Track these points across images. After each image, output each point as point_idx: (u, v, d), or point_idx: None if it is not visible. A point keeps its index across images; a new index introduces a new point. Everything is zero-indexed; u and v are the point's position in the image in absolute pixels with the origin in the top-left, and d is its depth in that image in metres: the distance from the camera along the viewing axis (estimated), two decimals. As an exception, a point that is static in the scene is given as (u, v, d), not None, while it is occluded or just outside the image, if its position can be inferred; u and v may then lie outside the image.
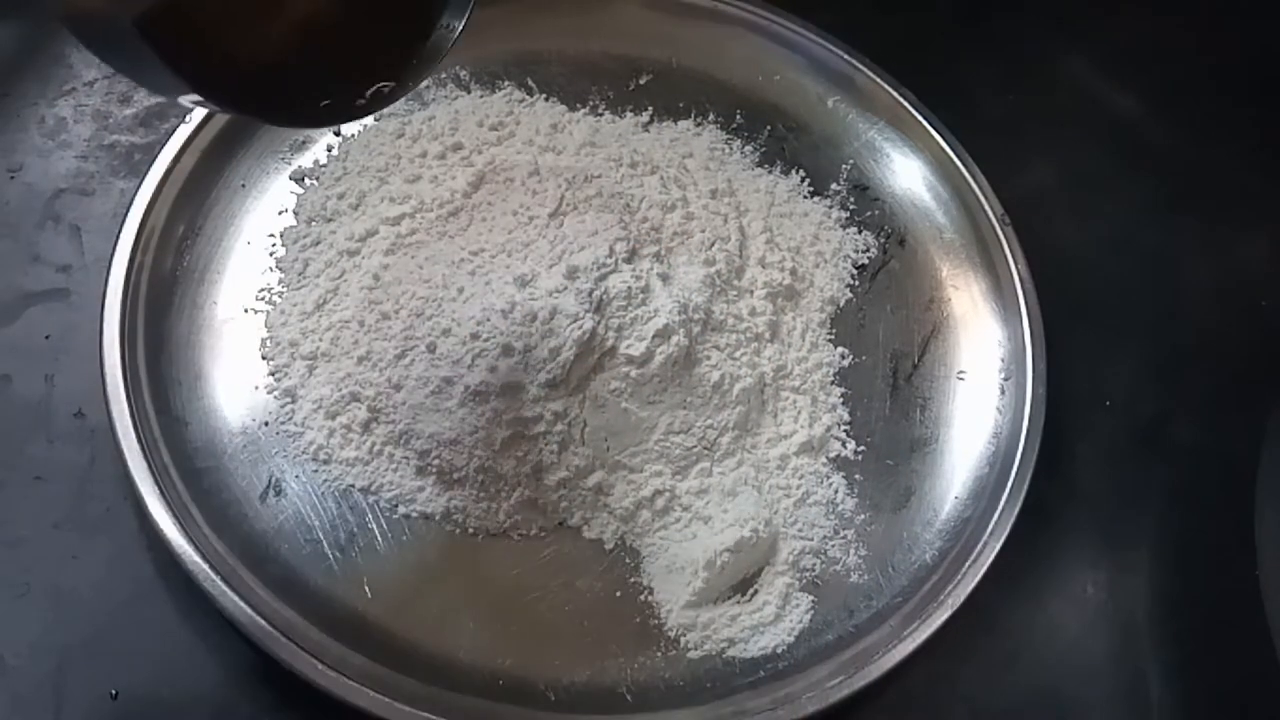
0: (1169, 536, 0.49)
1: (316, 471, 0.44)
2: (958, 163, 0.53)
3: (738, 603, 0.43)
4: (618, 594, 0.43)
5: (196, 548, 0.40)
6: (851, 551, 0.45)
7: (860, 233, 0.53)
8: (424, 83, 0.40)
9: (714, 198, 0.50)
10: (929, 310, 0.52)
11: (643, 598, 0.43)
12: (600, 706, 0.41)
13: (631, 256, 0.45)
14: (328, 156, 0.51)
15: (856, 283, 0.52)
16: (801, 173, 0.54)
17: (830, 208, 0.53)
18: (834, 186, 0.54)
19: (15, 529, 0.42)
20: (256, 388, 0.45)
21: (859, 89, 0.56)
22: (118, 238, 0.46)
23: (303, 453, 0.44)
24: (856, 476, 0.47)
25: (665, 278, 0.45)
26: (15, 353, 0.46)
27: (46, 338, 0.46)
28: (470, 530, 0.43)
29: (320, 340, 0.46)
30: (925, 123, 0.54)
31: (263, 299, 0.47)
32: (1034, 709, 0.45)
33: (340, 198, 0.49)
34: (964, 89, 0.58)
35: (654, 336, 0.44)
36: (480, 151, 0.50)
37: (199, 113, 0.49)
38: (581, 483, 0.44)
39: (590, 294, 0.43)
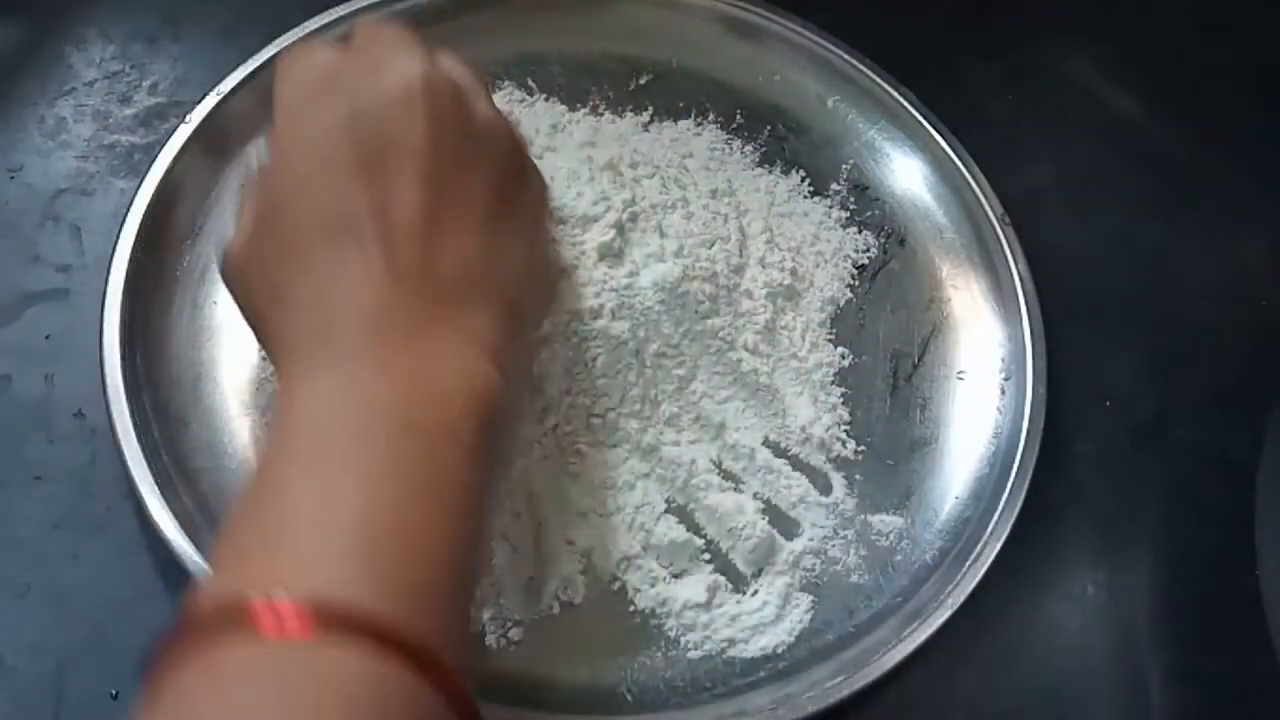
0: (1169, 536, 0.49)
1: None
2: (958, 163, 0.53)
3: (738, 603, 0.43)
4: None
5: (196, 548, 0.40)
6: (851, 551, 0.45)
7: (860, 233, 0.53)
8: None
9: (714, 198, 0.50)
10: (929, 310, 0.51)
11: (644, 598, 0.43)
12: (600, 707, 0.41)
13: None
14: (328, 156, 0.51)
15: (856, 283, 0.52)
16: (801, 173, 0.54)
17: (830, 208, 0.53)
18: (834, 186, 0.54)
19: (15, 529, 0.42)
20: (257, 388, 0.45)
21: (859, 89, 0.56)
22: (118, 238, 0.46)
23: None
24: (856, 476, 0.47)
25: None
26: (15, 353, 0.46)
27: (46, 338, 0.46)
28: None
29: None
30: (925, 123, 0.54)
31: (263, 299, 0.47)
32: (1034, 709, 0.45)
33: (340, 198, 0.49)
34: (964, 89, 0.58)
35: None
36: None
37: (199, 112, 0.49)
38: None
39: None
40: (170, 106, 0.52)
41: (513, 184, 0.37)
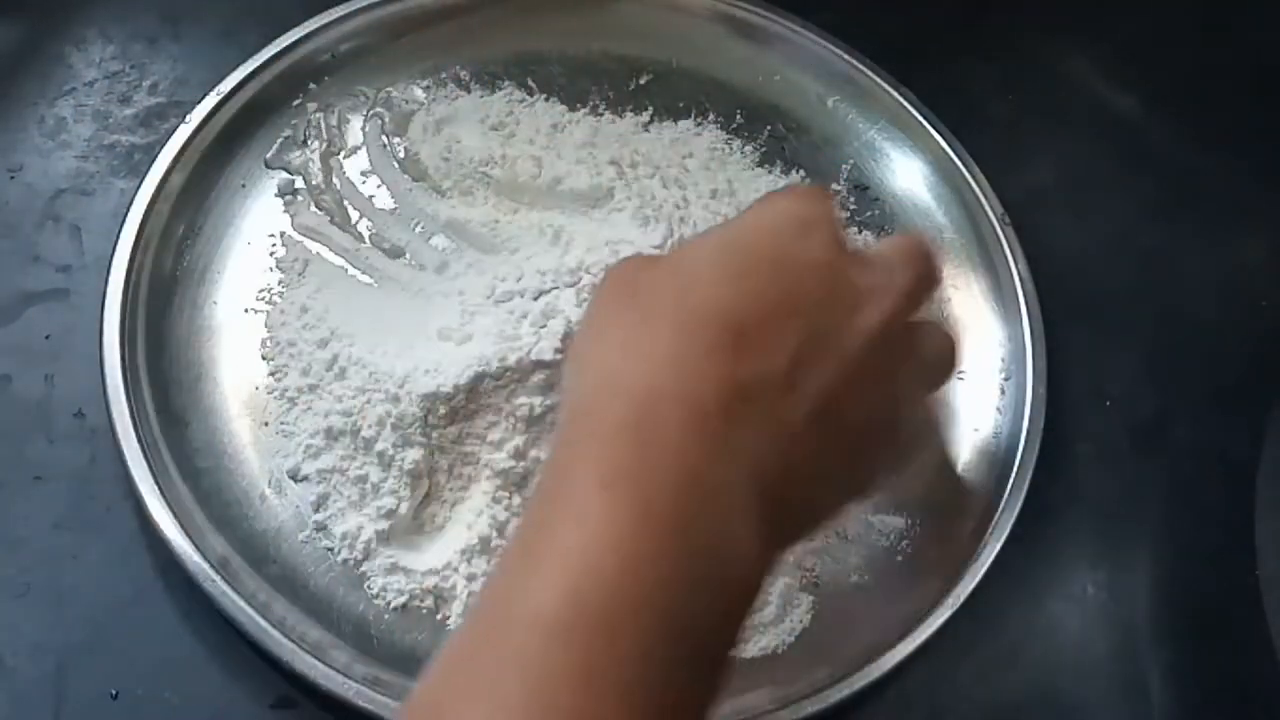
0: (1169, 536, 0.49)
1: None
2: (958, 163, 0.53)
3: (738, 603, 0.43)
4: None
5: (196, 548, 0.40)
6: (851, 551, 0.45)
7: (860, 233, 0.53)
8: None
9: (714, 198, 0.50)
10: (929, 310, 0.51)
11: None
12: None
13: None
14: (328, 156, 0.51)
15: (857, 283, 0.52)
16: (801, 173, 0.54)
17: (830, 208, 0.53)
18: (834, 186, 0.54)
19: (15, 529, 0.42)
20: (257, 388, 0.45)
21: (859, 89, 0.56)
22: (118, 238, 0.46)
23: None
24: (856, 476, 0.47)
25: None
26: (15, 353, 0.46)
27: (46, 338, 0.46)
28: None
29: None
30: (925, 123, 0.54)
31: (263, 299, 0.47)
32: (1034, 709, 0.45)
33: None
34: (964, 89, 0.58)
35: None
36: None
37: (199, 112, 0.49)
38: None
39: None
40: (170, 106, 0.52)
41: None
